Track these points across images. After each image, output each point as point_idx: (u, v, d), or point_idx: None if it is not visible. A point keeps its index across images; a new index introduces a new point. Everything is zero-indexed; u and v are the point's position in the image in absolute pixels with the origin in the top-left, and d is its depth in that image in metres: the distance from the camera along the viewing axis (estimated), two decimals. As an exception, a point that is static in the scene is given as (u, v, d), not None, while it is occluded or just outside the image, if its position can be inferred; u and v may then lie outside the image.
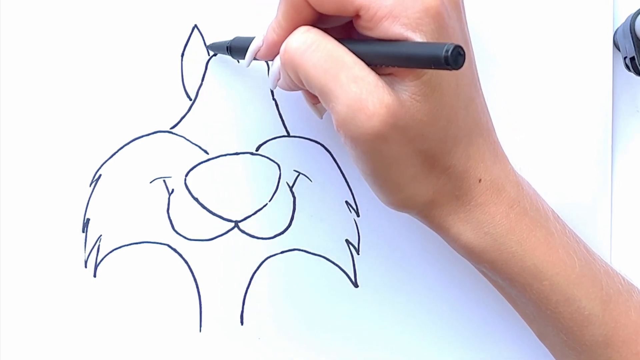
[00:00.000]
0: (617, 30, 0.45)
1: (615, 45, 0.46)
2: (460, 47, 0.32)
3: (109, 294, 0.46)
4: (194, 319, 0.46)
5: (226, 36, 0.45)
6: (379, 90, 0.35)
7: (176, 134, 0.46)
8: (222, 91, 0.46)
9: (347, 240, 0.46)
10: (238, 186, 0.46)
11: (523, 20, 0.46)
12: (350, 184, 0.46)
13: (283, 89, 0.40)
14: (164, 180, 0.46)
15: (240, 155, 0.46)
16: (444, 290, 0.47)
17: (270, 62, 0.41)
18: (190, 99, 0.46)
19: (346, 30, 0.39)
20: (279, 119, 0.46)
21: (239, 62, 0.46)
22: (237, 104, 0.46)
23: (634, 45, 0.43)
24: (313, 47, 0.36)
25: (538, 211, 0.40)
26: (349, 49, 0.36)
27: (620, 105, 0.46)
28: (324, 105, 0.37)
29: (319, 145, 0.46)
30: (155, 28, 0.46)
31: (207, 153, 0.46)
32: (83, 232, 0.46)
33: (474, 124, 0.39)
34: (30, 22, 0.46)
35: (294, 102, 0.46)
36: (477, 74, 0.40)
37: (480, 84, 0.40)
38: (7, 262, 0.46)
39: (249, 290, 0.46)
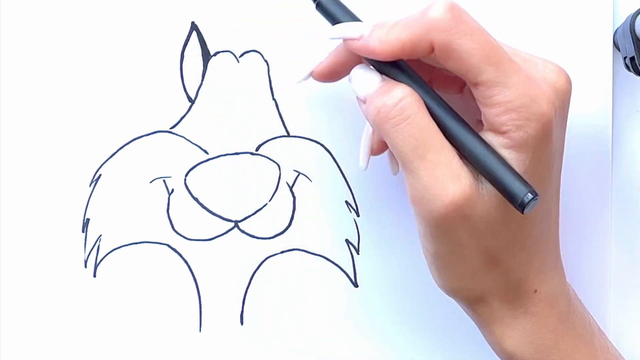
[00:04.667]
0: (617, 30, 0.45)
1: (615, 45, 0.46)
2: (537, 198, 0.34)
3: (109, 294, 0.46)
4: (194, 319, 0.46)
5: (226, 36, 0.45)
6: (461, 180, 0.35)
7: (176, 134, 0.46)
8: (222, 91, 0.46)
9: (347, 240, 0.46)
10: (238, 186, 0.46)
11: (523, 20, 0.46)
12: (350, 184, 0.46)
13: (362, 110, 0.38)
14: (164, 180, 0.46)
15: (240, 155, 0.46)
16: (444, 290, 0.47)
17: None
18: (190, 99, 0.46)
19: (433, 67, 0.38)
20: (279, 119, 0.46)
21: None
22: (237, 104, 0.46)
23: (634, 45, 0.43)
24: (408, 121, 0.35)
25: (585, 327, 0.40)
26: (440, 128, 0.36)
27: (620, 105, 0.46)
28: (403, 174, 0.36)
29: (319, 145, 0.46)
30: (155, 28, 0.46)
31: (207, 153, 0.46)
32: (83, 232, 0.46)
33: (543, 235, 0.38)
34: (30, 22, 0.46)
35: (294, 102, 0.46)
36: (559, 183, 0.39)
37: (559, 194, 0.40)
38: (7, 262, 0.46)
39: (249, 290, 0.46)
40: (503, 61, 0.35)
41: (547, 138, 0.35)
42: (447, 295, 0.40)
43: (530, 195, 0.34)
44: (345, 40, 0.37)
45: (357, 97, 0.38)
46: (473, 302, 0.39)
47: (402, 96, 0.36)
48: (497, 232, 0.36)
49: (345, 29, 0.37)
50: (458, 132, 0.36)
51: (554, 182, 0.38)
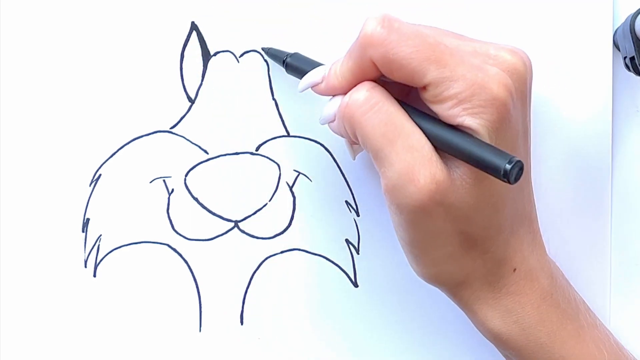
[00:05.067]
0: (617, 30, 0.45)
1: (615, 45, 0.46)
2: (522, 164, 0.32)
3: (109, 293, 0.46)
4: (194, 319, 0.46)
5: (226, 36, 0.45)
6: (432, 164, 0.35)
7: (176, 134, 0.46)
8: (222, 91, 0.46)
9: (347, 240, 0.46)
10: (238, 186, 0.46)
11: (523, 20, 0.46)
12: (350, 184, 0.46)
13: (334, 131, 0.39)
14: (164, 180, 0.46)
15: (240, 155, 0.46)
16: (444, 290, 0.47)
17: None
18: (190, 99, 0.46)
19: (406, 88, 0.38)
20: (279, 119, 0.46)
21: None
22: (237, 104, 0.46)
23: (634, 45, 0.43)
24: (376, 108, 0.35)
25: (570, 303, 0.40)
26: (410, 116, 0.35)
27: (620, 105, 0.46)
28: (375, 166, 0.36)
29: (319, 145, 0.46)
30: (155, 28, 0.46)
31: (207, 153, 0.46)
32: (83, 232, 0.46)
33: (518, 214, 0.38)
34: (30, 22, 0.46)
35: (294, 102, 0.46)
36: (528, 163, 0.39)
37: (530, 174, 0.40)
38: (7, 262, 0.46)
39: (249, 290, 0.46)
40: (444, 56, 0.35)
41: (505, 121, 0.35)
42: (428, 283, 0.40)
43: (514, 160, 0.33)
44: (312, 88, 0.39)
45: (329, 124, 0.39)
46: (454, 287, 0.39)
47: (368, 88, 0.36)
48: (471, 217, 0.36)
49: (309, 77, 0.39)
50: (426, 118, 0.36)
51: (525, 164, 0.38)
